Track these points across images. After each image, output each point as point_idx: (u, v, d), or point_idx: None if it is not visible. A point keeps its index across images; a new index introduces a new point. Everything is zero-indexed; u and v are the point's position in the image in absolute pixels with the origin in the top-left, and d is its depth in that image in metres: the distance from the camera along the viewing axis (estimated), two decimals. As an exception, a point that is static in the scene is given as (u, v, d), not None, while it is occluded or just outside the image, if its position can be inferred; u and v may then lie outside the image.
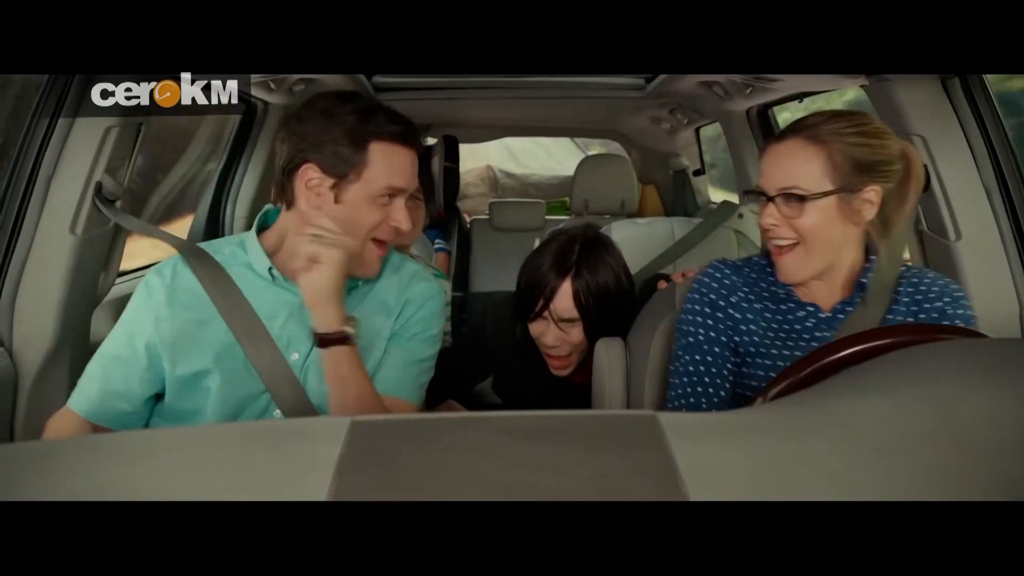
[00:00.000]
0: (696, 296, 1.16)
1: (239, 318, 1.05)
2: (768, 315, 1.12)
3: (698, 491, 0.42)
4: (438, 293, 1.18)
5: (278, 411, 1.07)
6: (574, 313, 1.37)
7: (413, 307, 1.14)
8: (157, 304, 1.07)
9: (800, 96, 2.06)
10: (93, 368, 1.08)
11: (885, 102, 1.33)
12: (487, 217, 3.27)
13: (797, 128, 1.05)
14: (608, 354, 1.34)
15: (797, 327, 1.11)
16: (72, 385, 1.11)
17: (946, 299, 1.08)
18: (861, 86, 1.43)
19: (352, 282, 1.11)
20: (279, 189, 1.08)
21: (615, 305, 1.38)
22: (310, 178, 1.03)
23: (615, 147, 4.26)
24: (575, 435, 0.51)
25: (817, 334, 1.09)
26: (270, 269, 1.08)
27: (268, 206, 1.15)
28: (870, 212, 1.04)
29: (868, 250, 1.10)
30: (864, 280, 1.08)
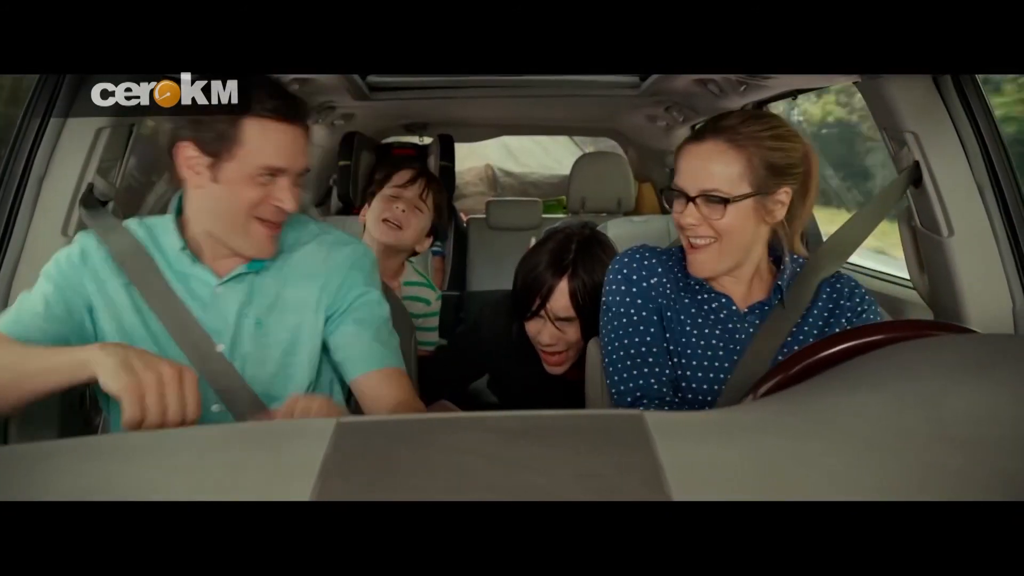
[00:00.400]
0: (619, 277, 1.17)
1: (167, 308, 1.04)
2: (686, 301, 1.15)
3: (683, 491, 0.42)
4: (364, 253, 1.16)
5: (216, 405, 1.04)
6: (571, 312, 1.37)
7: (342, 273, 1.11)
8: (89, 268, 1.05)
9: (794, 93, 2.06)
10: (7, 317, 1.04)
11: (877, 98, 1.33)
12: (484, 216, 3.27)
13: (717, 129, 1.08)
14: (599, 353, 1.35)
15: (712, 317, 1.14)
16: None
17: (856, 299, 1.13)
18: (854, 83, 1.43)
19: (256, 264, 1.08)
20: (168, 169, 1.06)
21: None
22: (188, 156, 1.01)
23: (603, 145, 4.25)
24: (563, 435, 0.51)
25: (730, 326, 1.13)
26: (183, 248, 1.06)
27: None
28: (781, 212, 1.09)
29: (771, 250, 1.15)
30: (780, 283, 1.12)
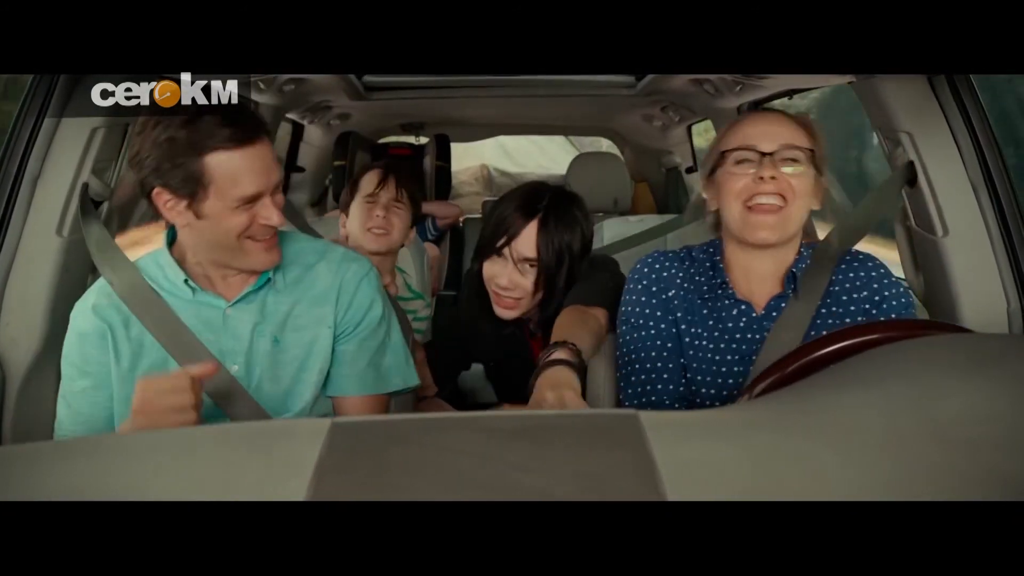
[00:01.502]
0: (638, 287, 1.16)
1: (175, 339, 1.05)
2: (705, 310, 1.13)
3: (678, 490, 0.42)
4: (371, 271, 1.17)
5: None
6: (534, 254, 1.36)
7: (349, 292, 1.13)
8: (91, 330, 1.07)
9: (789, 93, 2.06)
10: (61, 412, 1.08)
11: (872, 98, 1.33)
12: (480, 216, 3.27)
13: (774, 109, 1.12)
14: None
15: (730, 325, 1.12)
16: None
17: (874, 286, 1.10)
18: (848, 82, 1.44)
19: (263, 277, 1.09)
20: (154, 210, 1.05)
21: (572, 262, 1.39)
22: (165, 201, 1.01)
23: (586, 143, 4.26)
24: (557, 434, 0.51)
25: (748, 335, 1.11)
26: (186, 280, 1.07)
27: None
28: (820, 196, 1.10)
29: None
30: (795, 271, 1.10)
